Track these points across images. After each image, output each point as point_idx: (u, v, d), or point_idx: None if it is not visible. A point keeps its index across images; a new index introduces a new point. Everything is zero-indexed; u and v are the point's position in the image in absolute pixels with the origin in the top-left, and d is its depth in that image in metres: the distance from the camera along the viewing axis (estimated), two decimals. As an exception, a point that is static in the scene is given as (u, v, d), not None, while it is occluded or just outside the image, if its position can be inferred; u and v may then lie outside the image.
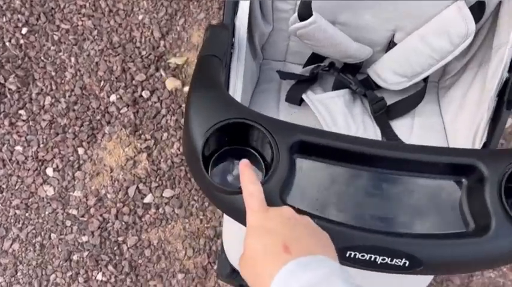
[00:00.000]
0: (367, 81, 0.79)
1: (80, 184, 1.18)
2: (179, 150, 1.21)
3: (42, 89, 1.25)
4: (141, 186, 1.18)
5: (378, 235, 0.46)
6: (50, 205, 1.16)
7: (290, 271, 0.38)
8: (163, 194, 1.17)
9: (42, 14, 1.32)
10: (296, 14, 0.66)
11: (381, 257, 0.46)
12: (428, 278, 0.70)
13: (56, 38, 1.30)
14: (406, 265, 0.46)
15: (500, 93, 0.64)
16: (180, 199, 1.17)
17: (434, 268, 0.47)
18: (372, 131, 0.75)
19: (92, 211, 1.15)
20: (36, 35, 1.30)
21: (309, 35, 0.68)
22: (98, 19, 1.33)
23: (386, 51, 0.77)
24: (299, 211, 0.48)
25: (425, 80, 0.77)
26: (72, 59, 1.28)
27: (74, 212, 1.16)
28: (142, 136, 1.22)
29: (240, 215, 0.47)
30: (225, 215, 0.74)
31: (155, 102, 1.25)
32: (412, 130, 0.76)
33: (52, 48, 1.29)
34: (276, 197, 0.47)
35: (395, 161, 0.49)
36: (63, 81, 1.26)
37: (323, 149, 0.49)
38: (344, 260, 0.46)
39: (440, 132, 0.76)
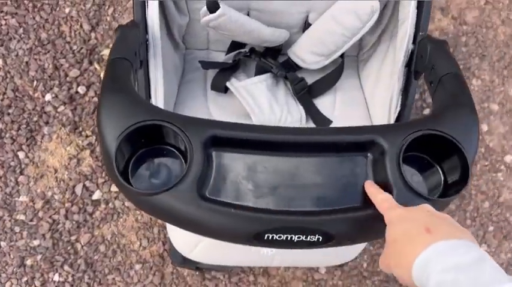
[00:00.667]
0: (288, 63, 0.81)
1: (24, 189, 1.16)
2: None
3: (-29, 96, 1.21)
4: (87, 183, 1.17)
5: (293, 217, 0.49)
6: (-4, 213, 1.14)
7: (438, 251, 0.39)
8: (111, 189, 1.18)
9: (-39, 16, 1.26)
10: (205, 6, 0.66)
11: (297, 236, 0.49)
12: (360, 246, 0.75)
13: (-21, 40, 1.25)
14: (320, 240, 0.49)
15: (408, 65, 0.67)
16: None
17: (345, 240, 0.51)
18: (296, 112, 0.78)
19: (41, 214, 1.15)
20: (-43, 39, 1.24)
21: (221, 26, 0.69)
22: (23, 16, 1.28)
23: (303, 32, 0.79)
24: (219, 203, 0.50)
25: (342, 56, 0.80)
26: (0, 60, 1.24)
27: (22, 217, 1.14)
28: (83, 133, 1.21)
29: (160, 214, 0.49)
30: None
31: (92, 97, 1.23)
32: (335, 106, 0.80)
33: (-24, 51, 1.24)
34: (193, 192, 0.48)
35: (305, 145, 0.52)
36: (-8, 84, 1.22)
37: (236, 141, 0.51)
38: (263, 242, 0.49)
39: (361, 105, 0.80)
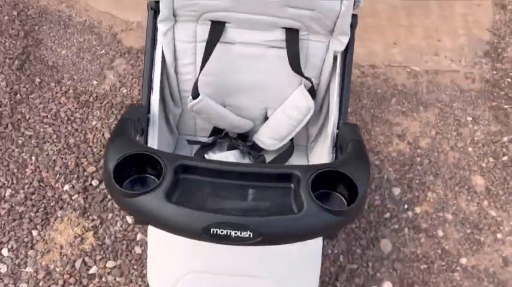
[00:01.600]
0: (254, 145, 1.07)
1: (31, 261, 1.33)
2: (122, 227, 1.42)
3: (4, 183, 1.47)
4: (86, 259, 1.35)
5: (231, 216, 0.69)
6: (2, 281, 1.30)
7: None
8: (107, 265, 1.34)
9: (10, 124, 1.59)
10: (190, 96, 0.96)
11: (233, 231, 0.68)
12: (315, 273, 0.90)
13: (20, 142, 1.56)
14: (251, 236, 0.68)
15: (336, 144, 0.93)
16: (122, 269, 1.34)
17: (270, 239, 0.69)
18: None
19: (41, 283, 1.30)
20: (2, 140, 1.56)
21: (201, 110, 0.97)
22: (58, 126, 1.61)
23: (263, 123, 1.07)
24: (179, 205, 0.71)
25: (291, 140, 1.06)
26: (33, 158, 1.53)
27: (24, 285, 1.30)
28: (90, 217, 1.42)
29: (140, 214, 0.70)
30: (149, 242, 0.94)
31: (103, 189, 1.48)
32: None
33: (16, 150, 1.54)
34: (162, 197, 0.70)
35: (246, 174, 0.75)
36: (23, 176, 1.49)
37: (198, 169, 0.75)
38: (210, 236, 0.68)
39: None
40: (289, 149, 1.05)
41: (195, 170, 0.75)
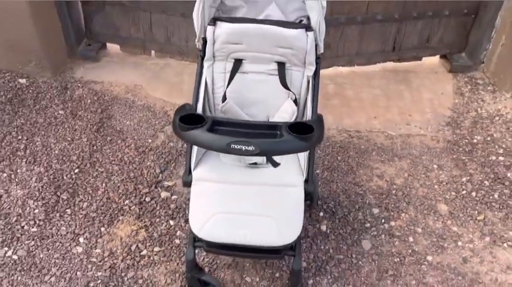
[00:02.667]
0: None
1: (100, 245, 1.82)
2: (165, 227, 1.91)
3: (82, 199, 2.02)
4: (139, 245, 1.82)
5: (242, 139, 1.23)
6: (79, 256, 1.77)
7: None
8: (154, 249, 1.81)
9: (88, 163, 2.19)
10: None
11: (243, 146, 1.21)
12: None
13: (94, 174, 2.14)
14: (253, 149, 1.21)
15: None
16: (165, 252, 1.80)
17: (263, 151, 1.22)
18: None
19: (106, 259, 1.76)
20: (83, 173, 2.14)
21: (227, 110, 1.55)
22: (122, 166, 2.20)
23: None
24: (215, 132, 1.27)
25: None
26: (103, 184, 2.10)
27: (94, 260, 1.76)
28: (143, 220, 1.93)
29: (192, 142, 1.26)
30: (191, 192, 1.45)
31: (153, 203, 2.01)
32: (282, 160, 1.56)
33: (91, 179, 2.12)
34: (203, 131, 1.25)
35: (253, 125, 1.31)
36: (96, 195, 2.04)
37: (225, 123, 1.31)
38: (230, 149, 1.21)
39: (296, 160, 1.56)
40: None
41: (222, 124, 1.31)
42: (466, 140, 2.46)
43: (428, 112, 2.68)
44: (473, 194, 2.15)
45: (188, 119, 1.28)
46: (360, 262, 1.82)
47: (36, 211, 1.92)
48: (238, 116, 1.59)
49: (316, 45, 1.52)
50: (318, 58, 1.57)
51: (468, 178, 2.24)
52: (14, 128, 2.33)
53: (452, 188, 2.19)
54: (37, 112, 2.45)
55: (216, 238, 1.42)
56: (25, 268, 1.71)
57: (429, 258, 1.87)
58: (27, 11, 2.47)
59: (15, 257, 1.74)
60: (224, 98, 1.57)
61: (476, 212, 2.07)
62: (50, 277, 1.69)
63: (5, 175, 2.07)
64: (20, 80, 2.64)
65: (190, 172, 1.48)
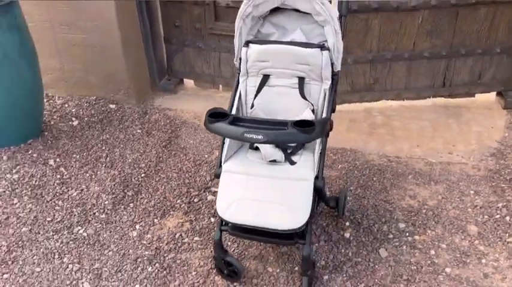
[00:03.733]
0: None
1: (151, 232, 2.16)
2: (207, 222, 2.20)
3: (143, 197, 2.40)
4: (183, 234, 2.13)
5: (254, 129, 1.51)
6: (133, 239, 2.12)
7: None
8: (194, 238, 2.11)
9: (153, 170, 2.60)
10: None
11: (255, 135, 1.48)
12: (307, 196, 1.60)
13: (157, 179, 2.53)
14: (262, 138, 1.48)
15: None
16: (203, 243, 2.09)
17: (271, 140, 1.48)
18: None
19: (154, 241, 2.09)
20: (148, 178, 2.55)
21: (254, 115, 1.87)
22: (180, 174, 2.58)
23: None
24: (235, 125, 1.57)
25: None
26: (163, 187, 2.47)
27: (144, 242, 2.10)
28: (189, 216, 2.25)
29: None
30: (220, 181, 1.75)
31: (201, 203, 2.33)
32: (300, 158, 1.79)
33: (153, 183, 2.51)
34: (225, 123, 1.56)
35: (266, 122, 1.59)
36: (155, 195, 2.41)
37: (243, 120, 1.61)
38: (245, 138, 1.50)
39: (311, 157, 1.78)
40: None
41: (241, 120, 1.61)
42: (509, 170, 2.48)
43: (473, 143, 2.74)
44: (507, 218, 2.17)
45: (215, 115, 1.60)
46: (377, 266, 1.95)
47: (106, 202, 2.33)
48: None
49: (332, 64, 1.79)
50: (334, 75, 1.83)
51: (505, 203, 2.26)
52: (100, 141, 2.83)
53: (486, 212, 2.23)
54: (120, 130, 2.95)
55: (237, 220, 1.69)
56: (91, 243, 2.09)
57: (448, 270, 1.93)
58: (120, 50, 3.04)
59: (84, 234, 2.14)
60: (252, 106, 1.88)
61: (507, 234, 2.09)
62: (109, 251, 2.05)
63: (87, 174, 2.54)
64: (111, 105, 3.20)
65: (220, 166, 1.79)
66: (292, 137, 1.50)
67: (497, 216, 2.19)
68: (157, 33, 3.35)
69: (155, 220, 2.23)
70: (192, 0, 3.08)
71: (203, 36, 3.22)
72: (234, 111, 1.85)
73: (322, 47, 1.75)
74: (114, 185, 2.44)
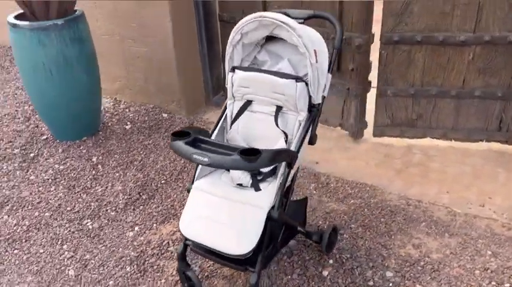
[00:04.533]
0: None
1: (145, 235, 2.31)
2: (197, 235, 2.28)
3: (153, 202, 2.57)
4: (170, 242, 2.24)
5: (201, 152, 1.57)
6: (127, 239, 2.30)
7: None
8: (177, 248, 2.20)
9: (174, 178, 2.76)
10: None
11: (201, 157, 1.55)
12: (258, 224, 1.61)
13: (173, 186, 2.69)
14: (207, 160, 1.53)
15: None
16: (184, 252, 2.18)
17: (213, 163, 1.52)
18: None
19: (143, 245, 2.24)
20: (166, 184, 2.72)
21: (231, 138, 1.90)
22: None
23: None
24: (189, 145, 1.65)
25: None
26: (175, 195, 2.62)
27: (135, 243, 2.26)
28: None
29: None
30: (189, 196, 1.83)
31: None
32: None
33: (169, 190, 2.67)
34: (181, 143, 1.64)
35: (219, 145, 1.63)
36: (168, 200, 2.57)
37: (200, 141, 1.68)
38: (192, 158, 1.56)
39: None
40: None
41: (202, 141, 1.67)
42: (546, 235, 2.15)
43: (515, 199, 2.42)
44: (518, 289, 1.89)
45: (179, 134, 1.69)
46: (340, 311, 1.84)
47: (120, 201, 2.55)
48: (238, 143, 1.91)
49: (311, 96, 1.76)
50: (313, 107, 1.80)
51: (522, 272, 1.97)
52: (142, 146, 3.10)
53: (497, 278, 1.96)
54: (163, 138, 3.19)
55: (192, 237, 1.75)
56: (91, 236, 2.32)
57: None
58: (174, 64, 3.30)
59: (90, 227, 2.38)
60: (231, 126, 1.93)
61: (509, 308, 1.82)
62: (102, 246, 2.25)
63: (117, 174, 2.80)
64: (164, 114, 3.47)
65: (193, 182, 1.87)
66: (234, 163, 1.52)
67: (507, 285, 1.92)
68: (216, 51, 3.55)
69: (154, 225, 2.38)
70: (246, 22, 3.21)
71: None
72: (215, 132, 1.91)
73: (297, 78, 1.74)
74: (134, 187, 2.66)
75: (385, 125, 2.94)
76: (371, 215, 2.35)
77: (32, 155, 3.02)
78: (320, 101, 1.81)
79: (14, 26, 2.73)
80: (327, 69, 1.82)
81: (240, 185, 1.81)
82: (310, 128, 1.82)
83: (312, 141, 1.84)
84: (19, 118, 3.47)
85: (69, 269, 2.10)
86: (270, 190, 1.76)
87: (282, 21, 1.71)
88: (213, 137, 1.90)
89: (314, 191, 2.56)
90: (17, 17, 2.80)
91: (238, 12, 3.26)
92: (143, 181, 2.71)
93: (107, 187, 2.68)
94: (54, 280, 2.05)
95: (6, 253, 2.21)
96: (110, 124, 3.36)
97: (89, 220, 2.42)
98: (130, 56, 3.47)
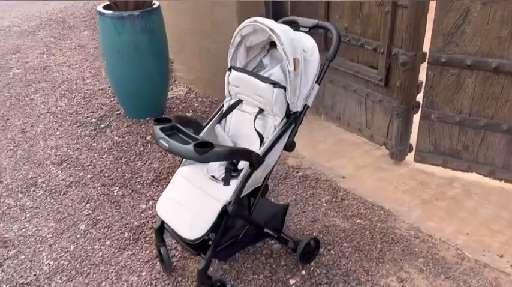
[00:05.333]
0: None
1: (153, 209, 2.54)
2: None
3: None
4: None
5: (167, 137, 1.71)
6: (138, 209, 2.55)
7: None
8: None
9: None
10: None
11: (165, 141, 1.69)
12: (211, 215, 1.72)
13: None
14: (168, 145, 1.67)
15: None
16: (177, 232, 2.35)
17: (170, 149, 1.65)
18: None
19: (148, 218, 2.47)
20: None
21: (217, 133, 1.99)
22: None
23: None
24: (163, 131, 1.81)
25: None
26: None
27: (142, 214, 2.50)
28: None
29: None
30: (172, 178, 2.00)
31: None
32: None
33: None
34: (157, 129, 1.80)
35: (186, 135, 1.76)
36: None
37: (176, 129, 1.82)
38: (158, 142, 1.72)
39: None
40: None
41: (178, 129, 1.81)
42: (559, 304, 1.84)
43: (547, 258, 2.10)
44: None
45: (161, 120, 1.84)
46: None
47: (150, 177, 2.82)
48: (221, 137, 2.00)
49: (289, 104, 1.79)
50: (291, 114, 1.82)
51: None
52: (192, 133, 3.35)
53: (474, 334, 1.76)
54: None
55: (162, 216, 1.92)
56: (111, 201, 2.62)
57: None
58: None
59: (115, 193, 2.69)
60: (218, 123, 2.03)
61: None
62: (115, 211, 2.54)
63: (159, 154, 3.08)
64: (224, 108, 3.68)
65: (179, 166, 2.03)
66: (187, 153, 1.62)
67: None
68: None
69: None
70: (311, 29, 3.25)
71: (314, 63, 3.35)
72: (209, 125, 2.04)
73: (275, 83, 1.78)
74: (167, 167, 2.91)
75: (427, 152, 2.74)
76: (369, 239, 2.25)
77: (102, 125, 3.47)
78: (299, 109, 1.82)
79: (100, 14, 3.18)
80: (314, 79, 1.82)
81: (213, 177, 1.92)
82: (288, 134, 1.84)
83: (287, 148, 1.86)
84: (108, 94, 4.00)
85: (81, 224, 2.43)
86: (234, 187, 1.83)
87: (268, 28, 1.76)
88: (204, 131, 2.03)
89: (324, 204, 2.52)
90: (105, 7, 3.25)
91: (305, 16, 3.30)
92: (177, 164, 2.94)
93: (145, 163, 2.98)
94: (68, 230, 2.39)
95: (45, 201, 2.63)
96: (174, 110, 3.69)
97: (117, 188, 2.73)
98: (203, 51, 3.75)
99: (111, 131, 3.38)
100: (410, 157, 2.86)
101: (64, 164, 2.97)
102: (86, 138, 3.31)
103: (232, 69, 1.97)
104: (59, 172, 2.90)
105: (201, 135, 2.00)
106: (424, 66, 2.62)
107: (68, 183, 2.78)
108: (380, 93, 2.86)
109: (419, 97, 2.72)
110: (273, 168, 1.90)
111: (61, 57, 4.90)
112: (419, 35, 2.50)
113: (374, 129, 2.99)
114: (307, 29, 1.95)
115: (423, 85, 2.66)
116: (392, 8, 2.57)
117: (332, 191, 2.63)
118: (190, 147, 1.61)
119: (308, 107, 1.85)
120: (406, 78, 2.63)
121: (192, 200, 1.86)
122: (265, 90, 1.80)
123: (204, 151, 1.59)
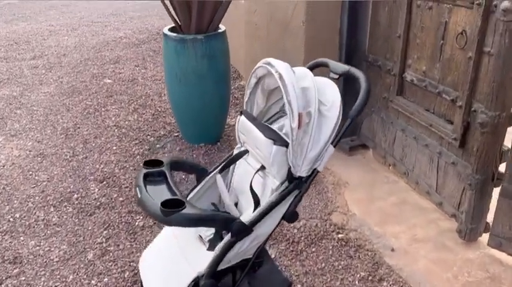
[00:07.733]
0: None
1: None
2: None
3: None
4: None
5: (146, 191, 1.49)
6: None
7: None
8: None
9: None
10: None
11: (139, 193, 1.47)
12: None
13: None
14: (139, 197, 1.45)
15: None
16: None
17: (139, 203, 1.42)
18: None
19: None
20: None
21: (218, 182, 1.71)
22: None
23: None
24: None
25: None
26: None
27: (153, 255, 2.31)
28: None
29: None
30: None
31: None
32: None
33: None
34: (140, 175, 1.58)
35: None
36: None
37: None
38: (136, 190, 1.51)
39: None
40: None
41: (163, 176, 1.58)
42: None
43: None
44: None
45: (151, 162, 1.63)
46: None
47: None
48: (221, 189, 1.70)
49: (292, 166, 1.45)
50: (295, 179, 1.47)
51: None
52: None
53: None
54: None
55: (140, 271, 1.70)
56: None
57: None
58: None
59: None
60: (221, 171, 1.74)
61: None
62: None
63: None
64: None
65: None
66: (151, 210, 1.38)
67: None
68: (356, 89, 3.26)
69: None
70: (387, 68, 2.86)
71: (387, 107, 2.93)
72: (211, 175, 1.78)
73: (276, 140, 1.46)
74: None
75: (507, 237, 2.15)
76: (362, 280, 1.78)
77: (157, 146, 3.41)
78: (305, 175, 1.47)
79: (164, 35, 3.12)
80: (328, 139, 1.46)
81: (200, 237, 1.65)
82: (289, 202, 1.50)
83: (287, 219, 1.52)
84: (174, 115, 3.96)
85: (90, 253, 2.32)
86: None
87: (278, 74, 1.46)
88: (206, 180, 1.77)
89: (356, 282, 2.09)
90: (170, 29, 3.18)
91: (381, 55, 2.91)
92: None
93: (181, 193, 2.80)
94: (75, 256, 2.30)
95: (70, 219, 2.58)
96: (232, 139, 3.49)
97: (141, 217, 2.59)
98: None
99: (163, 153, 3.29)
100: (484, 238, 2.28)
101: (104, 182, 2.93)
102: (138, 157, 3.26)
103: (243, 114, 1.69)
104: (96, 190, 2.86)
105: (201, 185, 1.75)
106: (511, 130, 2.05)
107: (98, 203, 2.71)
108: (454, 154, 2.34)
109: (502, 167, 2.14)
110: (267, 239, 1.57)
111: (151, 71, 5.04)
112: (505, 90, 1.97)
113: (444, 196, 2.46)
114: (337, 76, 1.59)
115: (509, 153, 2.09)
116: (476, 54, 2.06)
117: (372, 267, 2.18)
118: (157, 204, 1.36)
119: (318, 171, 1.49)
120: (485, 143, 2.10)
121: (170, 262, 1.61)
122: (264, 145, 1.49)
123: (170, 212, 1.34)
